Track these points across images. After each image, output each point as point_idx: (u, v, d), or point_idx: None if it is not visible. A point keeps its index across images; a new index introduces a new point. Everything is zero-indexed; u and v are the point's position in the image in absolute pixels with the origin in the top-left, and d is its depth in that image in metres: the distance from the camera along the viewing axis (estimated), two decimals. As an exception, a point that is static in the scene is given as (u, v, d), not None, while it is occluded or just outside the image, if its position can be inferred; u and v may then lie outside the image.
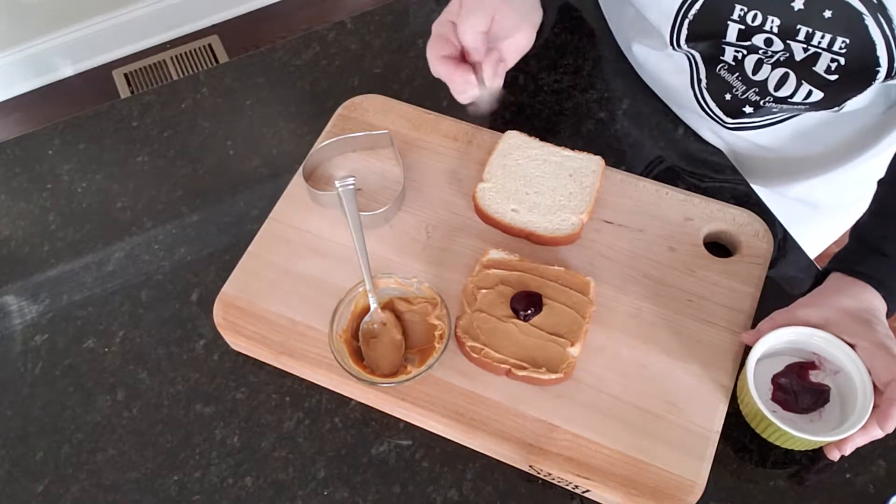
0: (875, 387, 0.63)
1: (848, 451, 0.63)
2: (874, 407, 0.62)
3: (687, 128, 0.87)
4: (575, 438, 0.66)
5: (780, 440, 0.65)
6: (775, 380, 0.67)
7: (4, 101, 2.12)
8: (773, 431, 0.64)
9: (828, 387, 0.66)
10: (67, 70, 2.14)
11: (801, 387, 0.66)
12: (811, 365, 0.67)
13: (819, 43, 0.66)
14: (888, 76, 0.67)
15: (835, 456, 0.63)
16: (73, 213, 0.83)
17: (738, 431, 0.68)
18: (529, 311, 0.69)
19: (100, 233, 0.82)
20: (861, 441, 0.62)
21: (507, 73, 0.79)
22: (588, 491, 0.66)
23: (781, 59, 0.71)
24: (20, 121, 2.09)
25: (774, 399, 0.67)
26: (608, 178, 0.79)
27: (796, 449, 0.66)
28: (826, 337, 0.65)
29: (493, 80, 0.71)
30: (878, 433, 0.62)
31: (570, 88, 0.90)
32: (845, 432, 0.62)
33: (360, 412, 0.71)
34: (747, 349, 0.67)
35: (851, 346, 0.65)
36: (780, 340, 0.67)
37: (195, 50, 2.15)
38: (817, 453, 0.66)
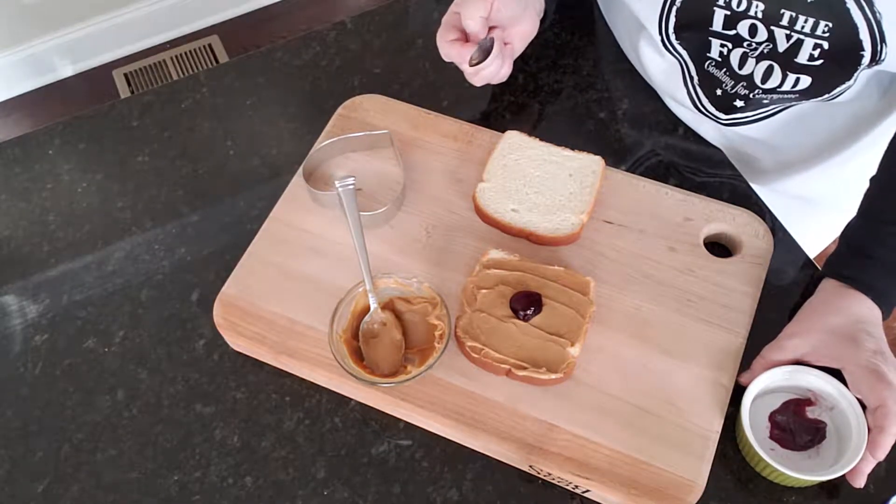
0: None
1: (861, 482, 0.63)
2: (869, 431, 0.63)
3: (686, 127, 0.87)
4: (575, 438, 0.66)
5: (779, 479, 0.65)
6: (772, 417, 0.67)
7: (4, 101, 2.12)
8: (770, 471, 0.64)
9: (824, 423, 0.66)
10: (67, 70, 2.14)
11: (797, 424, 0.66)
12: (807, 402, 0.67)
13: (802, 28, 0.67)
14: (873, 60, 0.67)
15: (858, 484, 0.64)
16: (73, 213, 0.83)
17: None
18: (529, 311, 0.69)
19: (100, 233, 0.82)
20: (868, 469, 0.63)
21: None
22: (588, 491, 0.66)
23: (765, 51, 0.72)
24: (20, 121, 2.09)
25: (772, 437, 0.67)
26: (608, 178, 0.79)
27: (795, 486, 0.66)
28: (818, 374, 0.66)
29: (502, 68, 0.78)
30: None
31: (570, 88, 0.90)
32: (840, 470, 0.62)
33: (360, 412, 0.71)
34: (742, 389, 0.67)
35: (840, 370, 0.65)
36: (774, 380, 0.67)
37: (195, 50, 2.15)
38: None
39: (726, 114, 0.82)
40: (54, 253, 0.81)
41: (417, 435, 0.69)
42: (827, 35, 0.67)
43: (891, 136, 0.72)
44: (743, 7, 0.68)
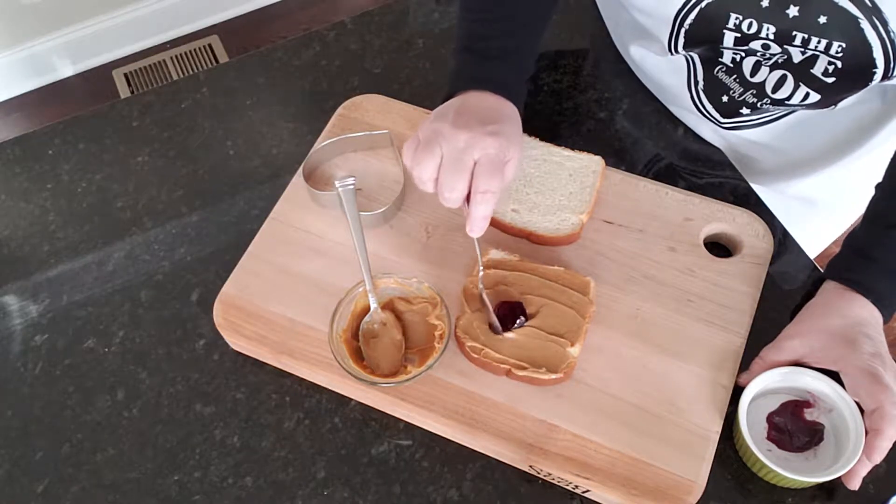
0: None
1: (856, 485, 0.63)
2: (866, 433, 0.63)
3: (686, 127, 0.87)
4: (575, 438, 0.66)
5: (775, 480, 0.65)
6: (770, 418, 0.67)
7: (4, 101, 2.12)
8: (767, 472, 0.64)
9: (822, 425, 0.66)
10: (67, 70, 2.14)
11: (795, 426, 0.66)
12: (806, 403, 0.67)
13: (816, 47, 0.66)
14: (885, 77, 0.67)
15: (853, 486, 0.64)
16: (73, 213, 0.83)
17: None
18: (518, 322, 0.69)
19: (100, 233, 0.82)
20: (863, 471, 0.63)
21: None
22: (588, 491, 0.66)
23: (780, 61, 0.71)
24: (20, 121, 2.09)
25: (769, 438, 0.67)
26: (608, 178, 0.79)
27: (792, 487, 0.66)
28: (816, 376, 0.66)
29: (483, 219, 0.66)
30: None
31: (570, 88, 0.90)
32: (837, 472, 0.62)
33: (360, 412, 0.71)
34: (741, 389, 0.67)
35: (838, 372, 0.65)
36: (772, 381, 0.67)
37: (195, 50, 2.15)
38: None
39: (728, 118, 0.82)
40: (54, 253, 0.81)
41: (417, 435, 0.69)
42: (840, 55, 0.66)
43: (893, 140, 0.72)
44: (753, 29, 0.68)
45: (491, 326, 0.70)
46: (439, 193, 0.65)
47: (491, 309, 0.69)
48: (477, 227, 0.65)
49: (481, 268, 0.70)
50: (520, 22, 0.73)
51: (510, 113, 0.70)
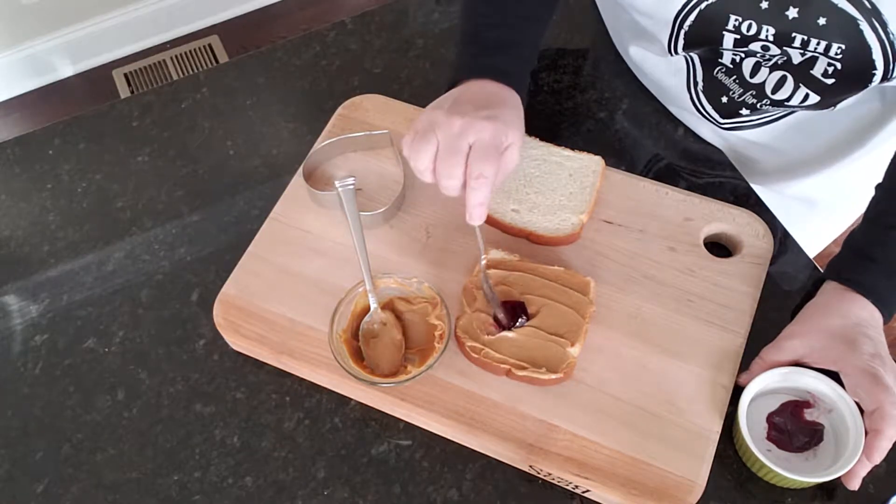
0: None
1: (856, 485, 0.63)
2: (865, 434, 0.63)
3: (686, 127, 0.87)
4: (575, 438, 0.66)
5: (775, 480, 0.65)
6: (770, 419, 0.67)
7: (4, 101, 2.12)
8: (767, 472, 0.64)
9: (822, 425, 0.66)
10: (67, 70, 2.14)
11: (795, 426, 0.66)
12: (806, 403, 0.67)
13: (815, 49, 0.66)
14: (884, 78, 0.67)
15: (853, 486, 0.64)
16: (73, 213, 0.83)
17: (738, 431, 0.68)
18: (520, 321, 0.69)
19: (100, 233, 0.82)
20: (863, 472, 0.63)
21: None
22: (588, 491, 0.66)
23: (779, 62, 0.71)
24: (20, 121, 2.09)
25: (769, 438, 0.67)
26: (608, 178, 0.79)
27: (792, 487, 0.66)
28: (816, 376, 0.66)
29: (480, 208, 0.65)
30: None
31: (570, 88, 0.90)
32: (836, 472, 0.62)
33: (360, 412, 0.71)
34: (741, 389, 0.67)
35: (837, 372, 0.65)
36: (772, 381, 0.67)
37: (195, 50, 2.15)
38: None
39: (728, 119, 0.82)
40: (54, 253, 0.81)
41: (417, 435, 0.69)
42: (840, 56, 0.66)
43: (893, 140, 0.72)
44: (753, 31, 0.68)
45: (496, 319, 0.69)
46: (438, 182, 0.64)
47: (496, 300, 0.68)
48: (475, 214, 0.64)
49: (483, 257, 0.69)
50: (521, 17, 0.74)
51: (510, 98, 0.69)
